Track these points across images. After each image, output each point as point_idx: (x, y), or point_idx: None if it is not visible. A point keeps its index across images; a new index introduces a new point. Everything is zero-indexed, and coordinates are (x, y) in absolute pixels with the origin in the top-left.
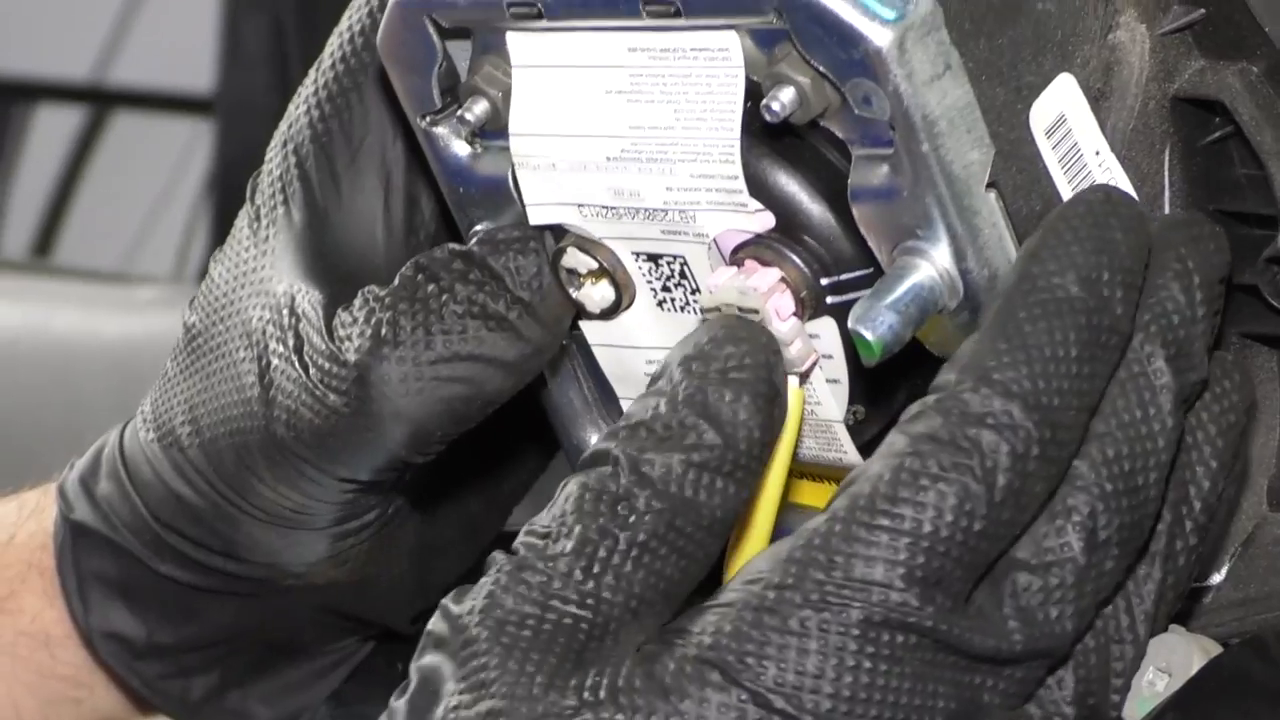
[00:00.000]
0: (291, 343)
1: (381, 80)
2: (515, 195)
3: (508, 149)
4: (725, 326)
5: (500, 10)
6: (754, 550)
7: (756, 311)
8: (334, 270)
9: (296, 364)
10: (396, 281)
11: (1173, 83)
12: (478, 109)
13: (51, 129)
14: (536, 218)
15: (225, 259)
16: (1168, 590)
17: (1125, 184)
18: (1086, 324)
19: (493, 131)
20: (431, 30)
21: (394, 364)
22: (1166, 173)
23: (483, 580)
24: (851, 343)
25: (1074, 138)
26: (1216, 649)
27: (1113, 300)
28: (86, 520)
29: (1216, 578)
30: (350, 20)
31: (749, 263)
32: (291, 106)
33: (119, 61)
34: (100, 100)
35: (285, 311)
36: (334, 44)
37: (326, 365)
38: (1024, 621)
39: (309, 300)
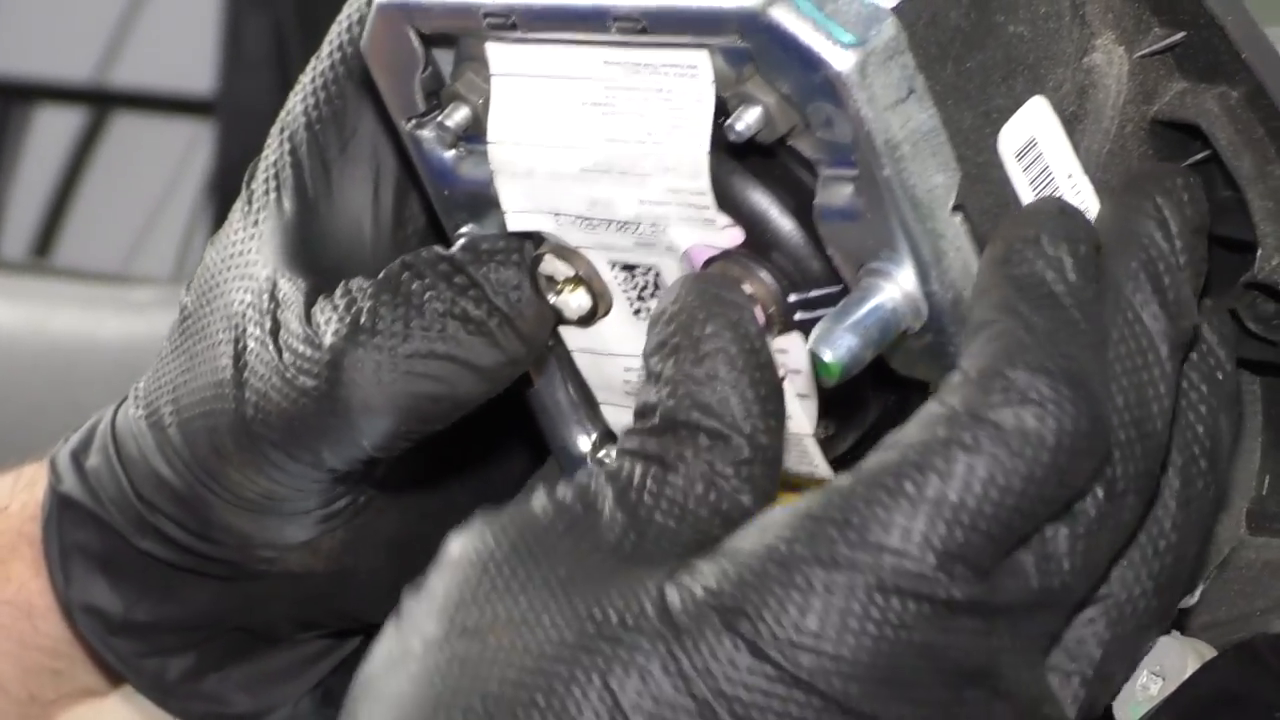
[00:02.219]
0: (268, 325)
1: (367, 82)
2: (498, 202)
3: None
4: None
5: (476, 20)
6: None
7: None
8: (319, 260)
9: (271, 347)
10: (381, 275)
11: (1152, 105)
12: (458, 115)
13: (52, 130)
14: (514, 224)
15: (218, 243)
16: (1190, 531)
17: (1096, 206)
18: (1081, 301)
19: (475, 136)
20: (413, 36)
21: (369, 351)
22: None
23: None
24: None
25: (1045, 161)
26: (1211, 653)
27: (1090, 275)
28: (73, 493)
29: (1190, 600)
30: (349, 11)
31: None
32: (290, 96)
33: (120, 63)
34: (101, 101)
35: (265, 296)
36: (332, 34)
37: (301, 349)
38: (1043, 572)
39: (292, 286)
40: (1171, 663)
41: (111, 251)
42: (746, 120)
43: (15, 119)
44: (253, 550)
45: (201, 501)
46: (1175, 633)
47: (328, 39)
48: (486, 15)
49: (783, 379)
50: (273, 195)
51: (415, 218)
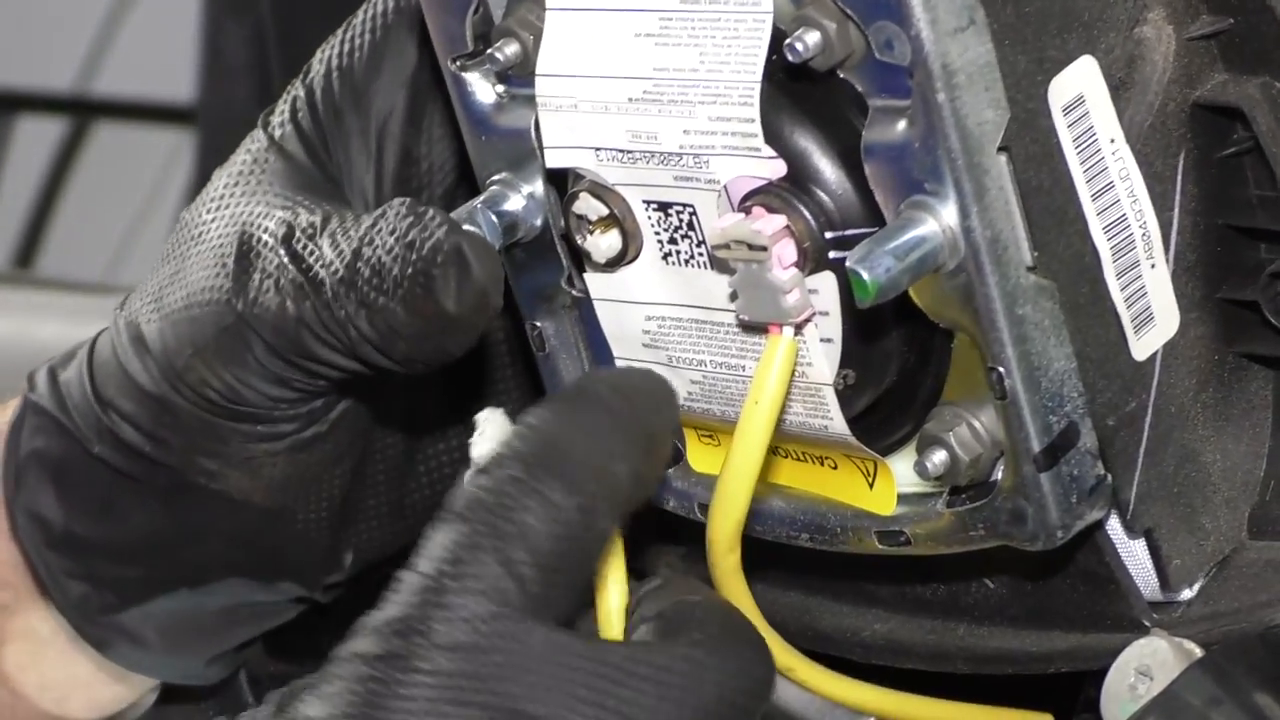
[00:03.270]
0: (281, 233)
1: (418, 22)
2: (535, 147)
3: (532, 99)
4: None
5: None
6: (732, 515)
7: (765, 250)
8: (327, 189)
9: (284, 253)
10: (358, 254)
11: (1194, 90)
12: (509, 50)
13: (34, 140)
14: (554, 160)
15: (226, 168)
16: None
17: (1137, 176)
18: None
19: (519, 79)
20: None
21: (353, 298)
22: (1179, 178)
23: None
24: (848, 302)
25: (1090, 120)
26: (1198, 652)
27: None
28: (40, 400)
29: (1187, 594)
30: None
31: (756, 209)
32: (320, 48)
33: (101, 72)
34: (82, 111)
35: (277, 212)
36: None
37: (315, 267)
38: None
39: (306, 210)
40: (1160, 662)
41: (95, 261)
42: (806, 41)
43: None
44: (195, 457)
45: (159, 399)
46: (1163, 632)
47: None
48: None
49: (809, 318)
50: (288, 128)
51: (421, 179)
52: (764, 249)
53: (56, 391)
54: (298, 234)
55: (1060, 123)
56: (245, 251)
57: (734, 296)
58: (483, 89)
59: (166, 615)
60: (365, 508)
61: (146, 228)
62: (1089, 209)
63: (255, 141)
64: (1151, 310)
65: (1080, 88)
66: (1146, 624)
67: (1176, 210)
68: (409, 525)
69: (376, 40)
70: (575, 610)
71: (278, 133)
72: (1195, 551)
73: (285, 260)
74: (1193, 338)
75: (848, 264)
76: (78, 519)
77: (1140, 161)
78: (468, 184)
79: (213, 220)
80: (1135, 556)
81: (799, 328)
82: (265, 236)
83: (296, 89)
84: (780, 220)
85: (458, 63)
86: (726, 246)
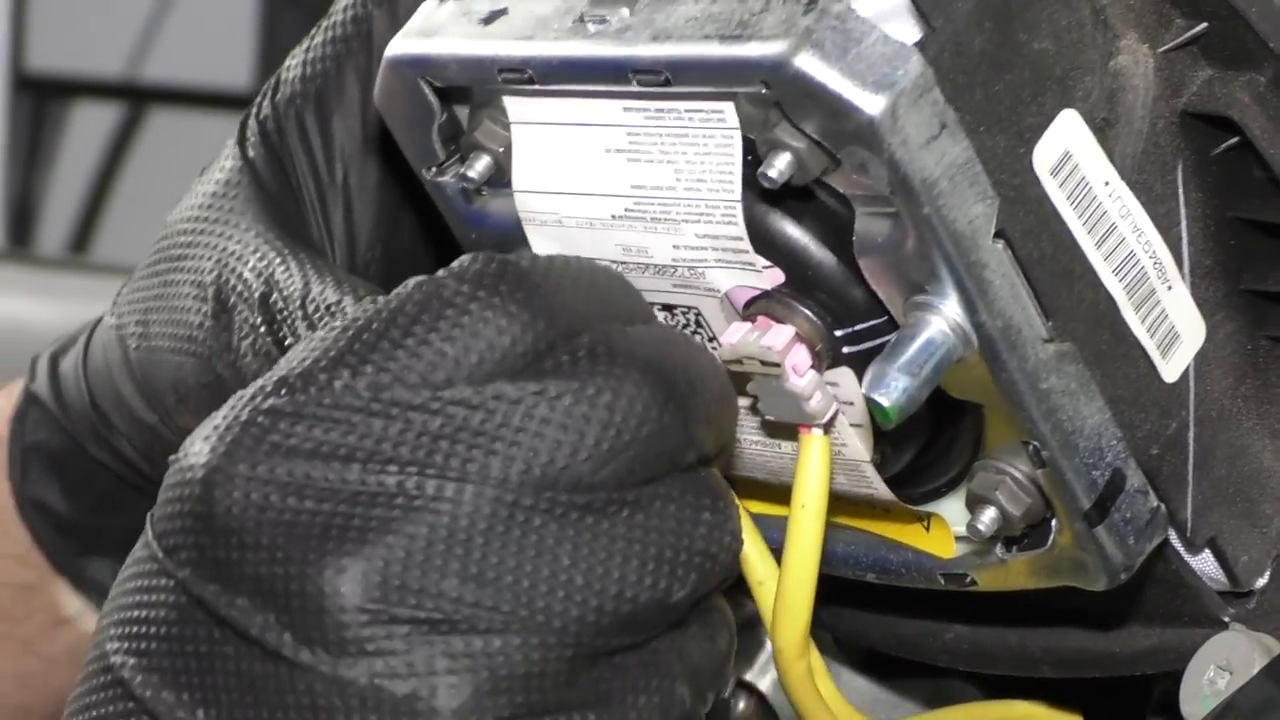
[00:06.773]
0: (259, 293)
1: (381, 131)
2: (529, 244)
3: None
4: None
5: (491, 75)
6: (798, 622)
7: (778, 365)
8: (297, 229)
9: (260, 320)
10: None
11: (1180, 97)
12: (480, 166)
13: (88, 126)
14: None
15: (204, 182)
16: None
17: (1137, 209)
18: None
19: (499, 182)
20: (427, 90)
21: None
22: (1180, 190)
23: None
24: None
25: (1081, 172)
26: (1278, 647)
27: None
28: (40, 392)
29: (1260, 581)
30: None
31: (761, 319)
32: (290, 58)
33: (155, 57)
34: (137, 97)
35: (253, 257)
36: (333, 10)
37: (290, 340)
38: None
39: (285, 270)
40: (1239, 657)
41: (149, 247)
42: (778, 167)
43: (51, 115)
44: None
45: (149, 427)
46: (1241, 627)
47: (329, 14)
48: (502, 70)
49: (835, 415)
50: (260, 150)
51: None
52: (777, 364)
53: (56, 385)
54: (275, 296)
55: (1050, 186)
56: (223, 301)
57: (756, 400)
58: (464, 196)
59: None
60: None
61: None
62: (1095, 258)
63: (231, 159)
64: (1176, 330)
65: (1064, 145)
66: (1225, 619)
67: (1184, 222)
68: None
69: (340, 64)
70: None
71: (251, 153)
72: (1261, 541)
73: (262, 330)
74: (1222, 337)
75: (863, 392)
76: (83, 512)
77: (1139, 191)
78: None
79: (189, 244)
80: (1203, 557)
81: (827, 426)
82: (241, 287)
83: (266, 108)
84: (788, 331)
85: (432, 171)
86: (739, 362)
